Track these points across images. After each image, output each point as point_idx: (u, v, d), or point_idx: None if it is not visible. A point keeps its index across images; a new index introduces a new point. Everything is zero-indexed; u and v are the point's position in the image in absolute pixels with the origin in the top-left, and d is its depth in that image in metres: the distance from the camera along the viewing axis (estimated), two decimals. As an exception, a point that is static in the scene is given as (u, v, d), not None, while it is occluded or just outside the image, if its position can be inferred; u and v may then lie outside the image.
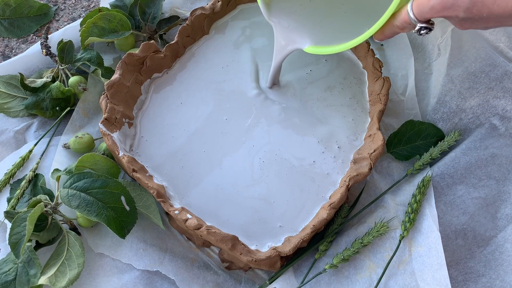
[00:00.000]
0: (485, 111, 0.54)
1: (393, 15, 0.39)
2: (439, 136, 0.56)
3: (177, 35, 0.57)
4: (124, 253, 0.50)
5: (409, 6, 0.37)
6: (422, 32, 0.38)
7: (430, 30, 0.38)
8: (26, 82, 0.58)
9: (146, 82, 0.56)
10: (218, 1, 0.60)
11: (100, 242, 0.51)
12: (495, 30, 0.56)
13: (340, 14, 0.51)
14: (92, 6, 0.71)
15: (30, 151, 0.56)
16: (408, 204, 0.50)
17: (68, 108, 0.59)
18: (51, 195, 0.51)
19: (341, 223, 0.51)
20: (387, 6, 0.38)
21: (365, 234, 0.48)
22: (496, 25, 0.35)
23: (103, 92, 0.52)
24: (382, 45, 0.64)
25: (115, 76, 0.52)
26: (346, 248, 0.48)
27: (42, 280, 0.46)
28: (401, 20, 0.38)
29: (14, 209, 0.51)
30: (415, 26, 0.38)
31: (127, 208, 0.48)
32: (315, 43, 0.49)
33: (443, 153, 0.54)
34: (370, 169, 0.49)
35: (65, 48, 0.59)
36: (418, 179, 0.52)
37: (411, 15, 0.37)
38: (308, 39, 0.49)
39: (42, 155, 0.56)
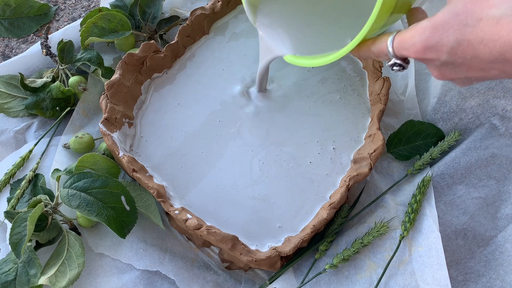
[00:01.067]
0: (485, 111, 0.54)
1: (373, 39, 0.37)
2: (439, 136, 0.56)
3: (177, 35, 0.57)
4: (124, 253, 0.50)
5: (390, 38, 0.35)
6: (394, 68, 0.36)
7: (404, 68, 0.36)
8: (26, 82, 0.58)
9: (146, 82, 0.56)
10: (218, 1, 0.60)
11: (100, 242, 0.51)
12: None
13: (322, 26, 0.49)
14: (92, 6, 0.71)
15: (30, 151, 0.56)
16: (408, 204, 0.50)
17: (68, 108, 0.59)
18: (51, 195, 0.51)
19: (341, 223, 0.51)
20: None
21: (365, 234, 0.48)
22: (478, 74, 0.32)
23: (103, 92, 0.52)
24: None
25: (115, 76, 0.52)
26: (346, 248, 0.48)
27: (42, 280, 0.46)
28: (379, 48, 0.36)
29: (14, 209, 0.51)
30: (390, 59, 0.36)
31: (127, 208, 0.48)
32: (295, 52, 0.47)
33: (443, 153, 0.54)
34: (370, 169, 0.49)
35: (65, 48, 0.59)
36: (418, 179, 0.52)
37: (390, 48, 0.35)
38: (290, 47, 0.48)
39: (42, 155, 0.56)
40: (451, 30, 0.30)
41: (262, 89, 0.56)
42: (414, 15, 0.38)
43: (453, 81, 0.35)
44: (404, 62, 0.35)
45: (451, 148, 0.54)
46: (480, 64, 0.30)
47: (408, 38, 0.33)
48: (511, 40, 0.27)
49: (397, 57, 0.35)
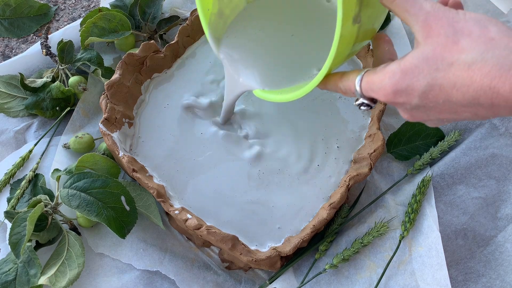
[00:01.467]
0: (485, 111, 0.54)
1: (340, 75, 0.36)
2: (439, 136, 0.56)
3: (177, 35, 0.57)
4: (124, 253, 0.50)
5: (358, 77, 0.34)
6: (362, 107, 0.35)
7: (371, 108, 0.35)
8: (26, 82, 0.58)
9: (146, 82, 0.56)
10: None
11: (100, 242, 0.51)
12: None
13: (288, 57, 0.47)
14: (92, 6, 0.71)
15: (30, 151, 0.56)
16: (408, 204, 0.50)
17: (68, 108, 0.59)
18: (51, 195, 0.51)
19: (341, 223, 0.51)
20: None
21: (365, 234, 0.48)
22: (450, 116, 0.31)
23: (103, 92, 0.52)
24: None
25: (115, 76, 0.52)
26: (346, 248, 0.48)
27: (42, 280, 0.46)
28: (346, 85, 0.35)
29: (14, 209, 0.51)
30: (357, 99, 0.35)
31: (127, 208, 0.48)
32: (263, 86, 0.45)
33: (443, 153, 0.54)
34: (370, 169, 0.49)
35: (65, 48, 0.59)
36: (418, 179, 0.52)
37: (357, 87, 0.34)
38: (258, 81, 0.45)
39: (42, 155, 0.56)
40: (422, 75, 0.29)
41: (226, 121, 0.53)
42: (379, 45, 0.36)
43: (424, 122, 0.34)
44: (371, 102, 0.34)
45: (451, 148, 0.54)
46: (453, 108, 0.30)
47: (377, 81, 0.32)
48: (484, 85, 0.27)
49: (364, 97, 0.34)
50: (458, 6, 0.34)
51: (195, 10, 0.58)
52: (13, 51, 0.67)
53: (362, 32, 0.34)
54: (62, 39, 0.59)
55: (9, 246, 0.45)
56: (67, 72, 0.60)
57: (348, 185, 0.48)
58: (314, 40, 0.47)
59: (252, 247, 0.47)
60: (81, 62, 0.58)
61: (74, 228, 0.51)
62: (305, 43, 0.47)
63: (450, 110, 0.30)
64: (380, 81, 0.32)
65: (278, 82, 0.45)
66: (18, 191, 0.52)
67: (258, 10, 0.49)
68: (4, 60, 0.65)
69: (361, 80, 0.33)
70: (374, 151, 0.50)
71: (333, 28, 0.31)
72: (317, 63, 0.44)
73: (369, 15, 0.33)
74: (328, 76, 0.36)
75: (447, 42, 0.28)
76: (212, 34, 0.47)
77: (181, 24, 0.62)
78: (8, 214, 0.48)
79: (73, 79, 0.58)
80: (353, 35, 0.33)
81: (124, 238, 0.47)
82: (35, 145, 0.56)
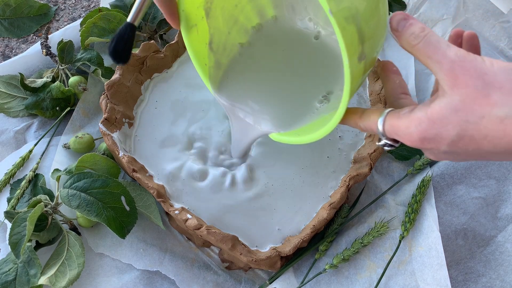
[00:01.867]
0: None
1: (360, 113, 0.35)
2: (439, 136, 0.55)
3: (177, 35, 0.57)
4: (124, 253, 0.50)
5: (380, 120, 0.33)
6: (385, 148, 0.34)
7: (393, 147, 0.34)
8: (26, 82, 0.58)
9: (146, 82, 0.56)
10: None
11: (100, 242, 0.51)
12: (495, 29, 0.56)
13: (294, 95, 0.46)
14: (92, 6, 0.71)
15: (30, 151, 0.56)
16: (408, 204, 0.50)
17: (68, 108, 0.59)
18: (51, 195, 0.51)
19: (341, 223, 0.51)
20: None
21: (365, 234, 0.49)
22: (479, 159, 0.31)
23: (103, 92, 0.52)
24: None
25: (115, 76, 0.52)
26: (346, 248, 0.48)
27: (42, 280, 0.46)
28: (367, 125, 0.34)
29: (14, 209, 0.51)
30: (379, 139, 0.34)
31: (127, 208, 0.48)
32: (277, 128, 0.44)
33: (443, 153, 0.54)
34: (370, 169, 0.49)
35: (65, 48, 0.59)
36: (418, 179, 0.52)
37: (380, 129, 0.33)
38: (270, 124, 0.44)
39: (42, 155, 0.56)
40: (451, 125, 0.29)
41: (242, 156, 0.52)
42: (389, 79, 0.36)
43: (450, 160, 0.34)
44: (395, 142, 0.34)
45: (451, 148, 0.54)
46: (482, 154, 0.30)
47: (403, 127, 0.31)
48: None
49: (388, 139, 0.34)
50: (474, 39, 0.34)
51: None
52: (13, 51, 0.67)
53: (368, 64, 0.34)
54: (62, 39, 0.59)
55: (9, 246, 0.45)
56: (67, 72, 0.60)
57: (348, 185, 0.48)
58: (310, 75, 0.46)
59: (252, 248, 0.47)
60: (81, 62, 0.58)
61: (74, 228, 0.51)
62: (303, 78, 0.46)
63: (479, 156, 0.30)
64: (406, 127, 0.31)
65: (290, 122, 0.44)
66: (18, 191, 0.52)
67: (252, 53, 0.48)
68: (4, 60, 0.65)
69: (383, 122, 0.33)
70: (374, 151, 0.50)
71: (326, 60, 0.31)
72: (318, 94, 0.44)
73: (371, 47, 0.33)
74: (346, 113, 0.35)
75: (477, 95, 0.28)
76: (213, 87, 0.46)
77: (181, 24, 0.61)
78: (8, 214, 0.48)
79: (73, 79, 0.58)
80: (361, 71, 0.33)
81: (124, 238, 0.47)
82: (35, 145, 0.56)
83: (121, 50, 0.39)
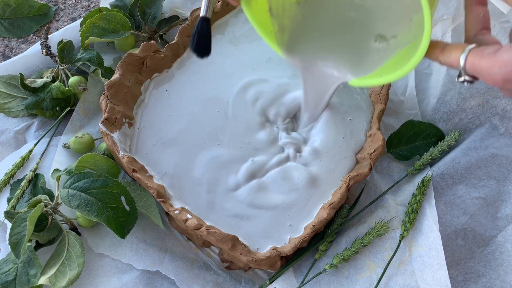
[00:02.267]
0: (485, 111, 0.54)
1: (441, 48, 0.35)
2: (439, 136, 0.56)
3: (177, 35, 0.57)
4: (124, 253, 0.50)
5: (462, 56, 0.34)
6: (465, 83, 0.35)
7: (472, 83, 0.35)
8: (26, 82, 0.58)
9: (146, 82, 0.56)
10: (218, 1, 0.60)
11: (100, 242, 0.51)
12: (495, 29, 0.56)
13: (356, 35, 0.47)
14: (92, 6, 0.71)
15: (30, 151, 0.56)
16: (408, 204, 0.50)
17: (68, 108, 0.59)
18: (51, 195, 0.51)
19: (341, 223, 0.51)
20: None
21: (365, 234, 0.48)
22: None
23: (103, 92, 0.52)
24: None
25: (115, 76, 0.52)
26: (346, 248, 0.48)
27: (42, 280, 0.46)
28: (448, 61, 0.35)
29: (14, 209, 0.51)
30: (459, 74, 0.35)
31: (127, 208, 0.48)
32: (354, 75, 0.45)
33: (443, 153, 0.54)
34: (370, 169, 0.49)
35: (65, 48, 0.59)
36: (418, 179, 0.52)
37: (461, 65, 0.34)
38: (347, 72, 0.46)
39: (42, 155, 0.56)
40: None
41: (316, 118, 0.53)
42: (472, 10, 0.36)
43: None
44: (474, 78, 0.35)
45: (451, 148, 0.54)
46: None
47: (486, 67, 0.32)
48: None
49: (468, 75, 0.34)
50: None
51: (195, 10, 0.58)
52: (13, 51, 0.67)
53: None
54: (62, 39, 0.59)
55: (9, 246, 0.45)
56: (67, 72, 0.60)
57: (348, 185, 0.48)
58: (370, 11, 0.47)
59: (253, 248, 0.47)
60: (81, 62, 0.58)
61: (74, 228, 0.51)
62: (364, 15, 0.47)
63: None
64: (489, 67, 0.32)
65: (362, 66, 0.46)
66: (18, 191, 0.52)
67: (310, 8, 0.49)
68: (4, 60, 0.65)
69: (465, 59, 0.33)
70: (374, 151, 0.50)
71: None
72: (380, 30, 0.45)
73: None
74: (429, 47, 0.36)
75: None
76: (283, 51, 0.48)
77: (181, 24, 0.61)
78: (8, 214, 0.48)
79: (73, 79, 0.58)
80: None
81: (124, 238, 0.47)
82: (35, 145, 0.56)
83: (203, 45, 0.42)
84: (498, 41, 0.35)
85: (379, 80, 0.43)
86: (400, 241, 0.48)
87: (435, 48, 0.36)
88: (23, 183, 0.52)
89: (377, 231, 0.48)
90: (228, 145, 0.52)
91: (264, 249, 0.47)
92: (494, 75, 0.32)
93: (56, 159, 0.55)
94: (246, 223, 0.48)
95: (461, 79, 0.35)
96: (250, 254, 0.45)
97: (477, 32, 0.36)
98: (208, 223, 0.47)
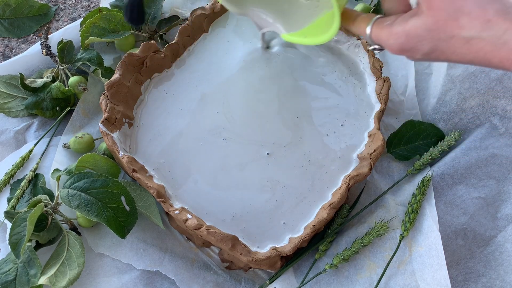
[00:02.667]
0: (485, 111, 0.54)
1: (353, 20, 0.39)
2: (439, 136, 0.56)
3: (177, 35, 0.57)
4: (124, 253, 0.50)
5: (368, 28, 0.38)
6: (375, 51, 0.40)
7: (382, 51, 0.39)
8: (26, 82, 0.58)
9: (146, 82, 0.56)
10: (218, 1, 0.60)
11: (100, 242, 0.51)
12: None
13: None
14: (92, 6, 0.71)
15: (30, 151, 0.56)
16: (408, 204, 0.50)
17: (68, 108, 0.59)
18: (51, 195, 0.52)
19: (341, 223, 0.51)
20: None
21: (365, 234, 0.48)
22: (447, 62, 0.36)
23: (103, 92, 0.52)
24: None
25: (115, 76, 0.52)
26: (346, 248, 0.48)
27: (42, 280, 0.46)
28: (358, 31, 0.39)
29: (14, 209, 0.51)
30: (370, 44, 0.39)
31: (127, 208, 0.48)
32: (285, 29, 0.49)
33: (443, 153, 0.54)
34: (370, 169, 0.49)
35: (65, 48, 0.59)
36: (418, 179, 0.52)
37: (368, 35, 0.38)
38: (281, 27, 0.50)
39: (42, 155, 0.56)
40: (425, 41, 0.34)
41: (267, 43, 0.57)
42: None
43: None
44: (382, 47, 0.38)
45: (451, 148, 0.54)
46: (451, 61, 0.35)
47: (384, 38, 0.36)
48: (479, 56, 0.33)
49: (375, 43, 0.38)
50: None
51: (195, 10, 0.58)
52: (13, 51, 0.67)
53: None
54: (62, 39, 0.59)
55: (9, 246, 0.45)
56: (67, 72, 0.60)
57: (348, 185, 0.48)
58: None
59: (253, 248, 0.47)
60: (81, 62, 0.58)
61: (74, 228, 0.51)
62: None
63: (448, 62, 0.38)
64: (386, 39, 0.36)
65: (291, 22, 0.49)
66: (18, 191, 0.52)
67: None
68: (4, 60, 0.65)
69: (371, 30, 0.37)
70: (374, 151, 0.50)
71: None
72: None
73: None
74: (343, 17, 0.39)
75: (448, 18, 0.32)
76: (230, 5, 0.51)
77: (181, 24, 0.62)
78: (8, 214, 0.48)
79: (73, 79, 0.58)
80: None
81: (124, 238, 0.47)
82: (35, 145, 0.56)
83: (136, 16, 0.44)
84: (409, 5, 0.37)
85: (303, 40, 0.46)
86: (400, 241, 0.48)
87: (348, 19, 0.40)
88: (23, 183, 0.52)
89: (377, 231, 0.48)
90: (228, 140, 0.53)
91: (264, 249, 0.47)
92: (391, 46, 0.36)
93: (56, 159, 0.55)
94: (241, 222, 0.49)
95: (371, 47, 0.39)
96: (250, 254, 0.45)
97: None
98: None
